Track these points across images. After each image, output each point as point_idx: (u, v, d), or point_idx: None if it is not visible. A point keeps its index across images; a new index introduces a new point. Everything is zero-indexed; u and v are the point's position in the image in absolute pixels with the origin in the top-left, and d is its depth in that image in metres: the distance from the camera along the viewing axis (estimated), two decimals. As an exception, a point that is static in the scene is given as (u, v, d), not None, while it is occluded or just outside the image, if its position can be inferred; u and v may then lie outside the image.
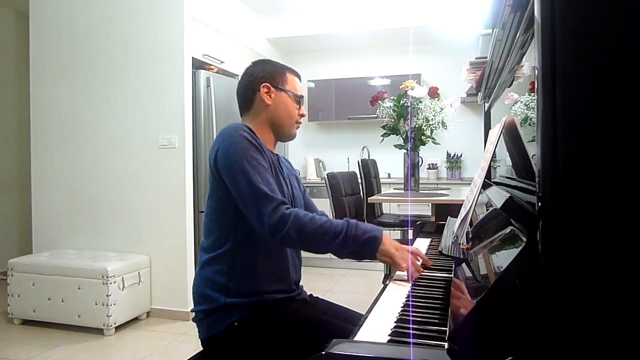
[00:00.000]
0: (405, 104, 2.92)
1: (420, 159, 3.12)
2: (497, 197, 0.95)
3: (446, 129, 2.94)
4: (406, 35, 4.60)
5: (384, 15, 4.44)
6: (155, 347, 2.66)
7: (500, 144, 1.17)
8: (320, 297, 1.51)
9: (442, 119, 2.89)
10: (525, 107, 1.18)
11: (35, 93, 3.40)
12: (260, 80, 1.37)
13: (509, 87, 1.37)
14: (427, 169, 4.74)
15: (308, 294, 1.48)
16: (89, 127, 3.28)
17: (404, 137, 2.97)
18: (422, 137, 2.97)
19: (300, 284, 1.44)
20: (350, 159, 5.09)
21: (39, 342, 2.71)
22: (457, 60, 4.13)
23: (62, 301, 2.87)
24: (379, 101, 3.03)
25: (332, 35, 4.70)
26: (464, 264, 0.96)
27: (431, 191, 3.15)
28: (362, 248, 1.16)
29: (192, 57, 3.21)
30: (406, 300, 0.95)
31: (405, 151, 3.01)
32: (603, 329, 0.52)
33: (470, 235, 1.07)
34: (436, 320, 0.81)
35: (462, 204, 1.15)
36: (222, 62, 3.78)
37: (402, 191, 3.17)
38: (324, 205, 2.93)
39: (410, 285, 1.07)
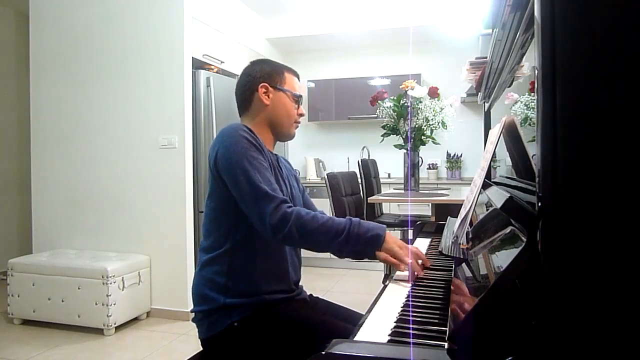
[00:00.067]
0: (405, 104, 2.92)
1: (420, 159, 3.12)
2: (497, 197, 0.95)
3: (446, 129, 2.94)
4: (406, 35, 4.60)
5: (384, 15, 4.44)
6: (155, 347, 2.66)
7: (500, 144, 1.17)
8: (320, 297, 1.51)
9: (442, 119, 2.89)
10: (525, 107, 1.18)
11: (35, 93, 3.40)
12: (259, 80, 1.37)
13: (509, 87, 1.37)
14: (427, 169, 4.74)
15: (308, 294, 1.48)
16: (89, 127, 3.28)
17: (404, 137, 2.97)
18: (422, 137, 2.97)
19: (300, 284, 1.44)
20: (350, 159, 5.09)
21: (39, 342, 2.71)
22: (457, 60, 4.13)
23: (62, 301, 2.87)
24: (379, 101, 3.03)
25: (332, 35, 4.70)
26: (464, 264, 0.96)
27: (431, 191, 3.15)
28: (364, 247, 1.16)
29: (192, 57, 3.22)
30: (406, 300, 0.95)
31: (405, 151, 3.01)
32: (603, 329, 0.52)
33: (470, 235, 1.07)
34: (436, 320, 0.81)
35: (462, 204, 1.15)
36: (222, 62, 3.78)
37: (402, 191, 3.17)
38: (324, 205, 2.93)
39: (410, 285, 1.07)
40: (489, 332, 0.62)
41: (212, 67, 3.70)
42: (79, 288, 2.84)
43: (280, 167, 1.41)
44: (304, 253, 1.41)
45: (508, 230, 0.73)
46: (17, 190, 4.29)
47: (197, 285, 1.30)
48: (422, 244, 1.56)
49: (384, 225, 1.20)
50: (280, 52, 5.10)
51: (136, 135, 3.17)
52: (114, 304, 2.81)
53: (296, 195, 1.44)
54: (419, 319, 0.82)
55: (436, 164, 4.80)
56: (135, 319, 3.05)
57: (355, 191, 3.50)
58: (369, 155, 4.13)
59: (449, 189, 3.52)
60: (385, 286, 1.09)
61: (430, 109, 2.88)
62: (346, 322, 1.26)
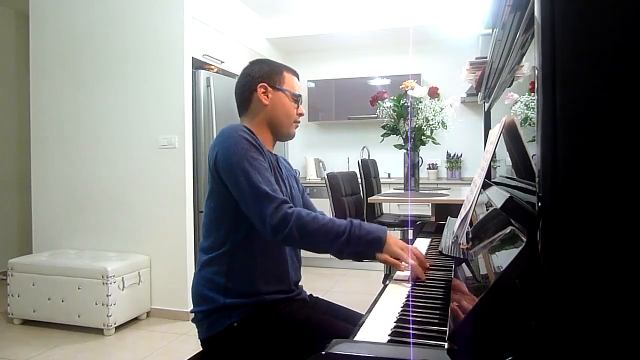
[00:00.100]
0: (405, 104, 2.92)
1: (420, 159, 3.12)
2: (497, 197, 0.95)
3: (446, 129, 2.94)
4: (406, 35, 4.60)
5: (384, 15, 4.44)
6: (155, 347, 2.66)
7: (500, 144, 1.17)
8: (320, 297, 1.51)
9: (442, 119, 2.89)
10: (525, 107, 1.18)
11: (35, 93, 3.40)
12: (258, 80, 1.37)
13: (509, 87, 1.37)
14: (427, 169, 4.74)
15: (308, 294, 1.48)
16: (89, 127, 3.28)
17: (404, 137, 2.97)
18: (422, 137, 2.97)
19: (300, 284, 1.44)
20: (350, 159, 5.09)
21: (39, 342, 2.71)
22: (457, 60, 4.13)
23: (62, 301, 2.87)
24: (379, 101, 3.03)
25: (332, 35, 4.70)
26: (464, 264, 0.96)
27: (431, 191, 3.15)
28: (365, 248, 1.15)
29: (192, 57, 3.22)
30: (406, 300, 0.95)
31: (405, 151, 3.01)
32: (603, 329, 0.52)
33: (470, 235, 1.07)
34: (436, 320, 0.81)
35: (462, 204, 1.15)
36: (222, 62, 3.78)
37: (402, 191, 3.17)
38: (324, 205, 2.93)
39: (410, 285, 1.07)
40: (489, 332, 0.62)
41: (212, 67, 3.70)
42: (79, 288, 2.84)
43: (280, 168, 1.41)
44: (304, 253, 1.41)
45: (508, 230, 0.73)
46: (17, 190, 4.29)
47: (197, 285, 1.30)
48: (422, 244, 1.56)
49: (385, 227, 1.20)
50: (280, 52, 5.10)
51: (136, 135, 3.17)
52: (114, 304, 2.81)
53: (296, 195, 1.44)
54: (419, 319, 0.82)
55: (436, 164, 4.80)
56: (135, 319, 3.05)
57: (355, 191, 3.50)
58: (369, 155, 4.13)
59: (449, 189, 3.52)
60: (385, 286, 1.09)
61: (430, 109, 2.88)
62: (346, 322, 1.26)
